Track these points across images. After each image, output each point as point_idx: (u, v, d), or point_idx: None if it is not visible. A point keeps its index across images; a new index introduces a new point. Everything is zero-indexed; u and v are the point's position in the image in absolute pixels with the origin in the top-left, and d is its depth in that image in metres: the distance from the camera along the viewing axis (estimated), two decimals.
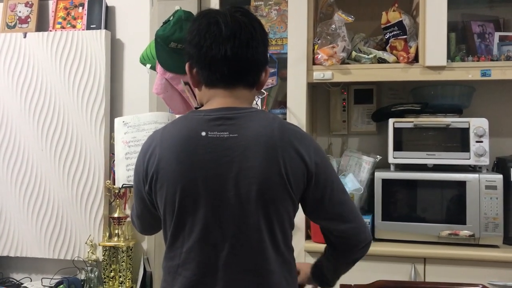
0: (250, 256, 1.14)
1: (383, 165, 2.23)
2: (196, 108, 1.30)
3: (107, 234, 2.48)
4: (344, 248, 1.28)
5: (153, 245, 2.46)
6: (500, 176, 2.00)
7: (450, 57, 2.14)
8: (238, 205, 1.12)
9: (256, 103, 2.21)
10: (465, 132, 2.08)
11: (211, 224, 1.14)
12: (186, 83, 1.86)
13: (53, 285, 2.45)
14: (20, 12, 2.68)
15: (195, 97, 1.71)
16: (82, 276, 2.51)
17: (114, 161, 2.43)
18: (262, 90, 1.71)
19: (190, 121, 1.18)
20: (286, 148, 1.13)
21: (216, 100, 1.20)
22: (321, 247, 2.03)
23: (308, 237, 2.15)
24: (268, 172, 1.12)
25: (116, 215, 2.44)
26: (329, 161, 1.24)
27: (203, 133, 1.14)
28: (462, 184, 2.02)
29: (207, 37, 1.17)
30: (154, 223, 1.27)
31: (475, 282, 1.60)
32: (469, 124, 2.07)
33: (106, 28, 2.59)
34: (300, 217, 2.09)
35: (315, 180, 1.17)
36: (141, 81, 2.50)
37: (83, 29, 2.59)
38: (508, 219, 2.02)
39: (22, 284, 2.59)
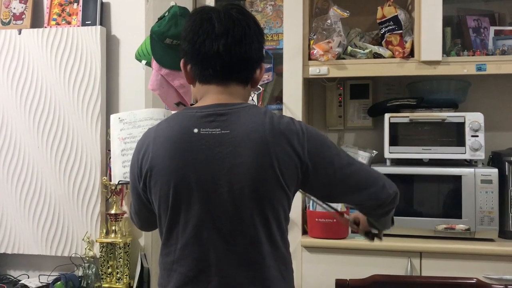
0: (244, 252, 1.15)
1: (379, 160, 2.24)
2: (191, 104, 1.31)
3: (104, 231, 2.48)
4: (374, 207, 1.30)
5: (150, 241, 2.46)
6: (496, 170, 2.01)
7: (446, 51, 2.14)
8: (231, 201, 1.13)
9: (252, 99, 2.22)
10: (460, 126, 2.08)
11: (205, 221, 1.14)
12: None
13: (50, 281, 2.45)
14: (14, 8, 2.67)
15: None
16: (79, 272, 2.51)
17: (110, 157, 2.43)
18: (258, 86, 1.71)
19: (183, 118, 1.18)
20: (278, 142, 1.13)
21: (209, 96, 1.20)
22: (318, 242, 2.07)
23: (304, 232, 2.16)
24: (260, 167, 1.12)
25: (113, 211, 2.44)
26: (326, 141, 1.21)
27: (195, 130, 1.15)
28: (457, 179, 2.03)
29: (200, 34, 1.18)
30: (151, 218, 1.28)
31: (471, 275, 1.60)
32: (464, 118, 2.08)
33: (101, 24, 2.58)
34: (296, 212, 2.10)
35: (312, 168, 1.17)
36: (137, 77, 2.49)
37: (78, 26, 2.57)
38: (503, 213, 2.03)
39: (20, 281, 2.59)
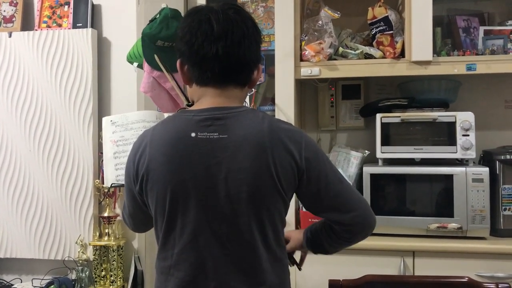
0: (241, 256, 1.15)
1: (371, 160, 2.24)
2: (187, 105, 1.30)
3: (98, 234, 2.47)
4: (348, 235, 1.25)
5: (143, 243, 2.46)
6: (487, 169, 2.02)
7: (436, 51, 2.15)
8: (228, 206, 1.12)
9: (245, 101, 2.22)
10: (451, 126, 2.10)
11: (202, 225, 1.14)
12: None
13: (43, 285, 2.44)
14: (4, 11, 2.65)
15: (184, 95, 1.71)
16: (73, 276, 2.50)
17: (102, 160, 2.42)
18: None
19: (180, 122, 1.17)
20: (276, 147, 1.13)
21: (206, 99, 1.19)
22: None
23: None
24: (258, 173, 1.11)
25: (106, 214, 2.44)
26: (322, 154, 1.21)
27: (193, 134, 1.14)
28: (449, 178, 2.04)
29: (198, 35, 1.15)
30: (146, 221, 1.27)
31: (463, 274, 1.61)
32: (455, 118, 2.09)
33: (92, 26, 2.57)
34: (290, 213, 2.11)
35: (307, 176, 1.17)
36: (129, 79, 2.49)
37: (69, 28, 2.56)
38: (494, 211, 2.05)
39: (13, 285, 2.58)
